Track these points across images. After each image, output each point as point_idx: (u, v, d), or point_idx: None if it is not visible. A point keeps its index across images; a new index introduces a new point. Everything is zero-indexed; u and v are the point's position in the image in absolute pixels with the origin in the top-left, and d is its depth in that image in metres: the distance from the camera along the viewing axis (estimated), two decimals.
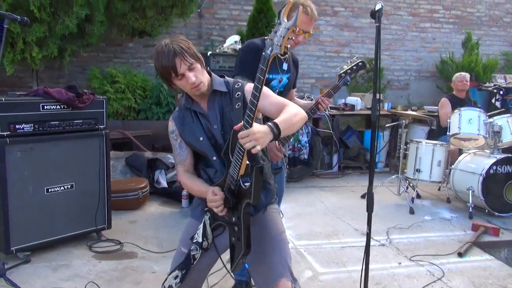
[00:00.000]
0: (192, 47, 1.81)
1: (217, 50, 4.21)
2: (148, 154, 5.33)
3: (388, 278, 3.13)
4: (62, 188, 3.37)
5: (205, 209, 1.90)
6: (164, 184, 4.84)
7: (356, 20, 8.03)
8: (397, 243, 3.74)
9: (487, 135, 4.49)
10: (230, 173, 1.72)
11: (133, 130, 5.85)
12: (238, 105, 1.81)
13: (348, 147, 6.41)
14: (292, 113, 1.73)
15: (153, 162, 5.01)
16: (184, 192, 4.52)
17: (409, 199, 4.69)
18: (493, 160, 4.31)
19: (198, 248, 1.89)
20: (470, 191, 4.37)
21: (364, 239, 3.79)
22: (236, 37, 4.31)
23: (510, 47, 8.67)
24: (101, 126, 3.54)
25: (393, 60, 8.25)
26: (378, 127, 6.88)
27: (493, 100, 6.62)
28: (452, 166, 4.73)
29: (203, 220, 1.90)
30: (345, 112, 6.21)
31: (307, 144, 5.49)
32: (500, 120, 4.49)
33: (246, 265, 1.83)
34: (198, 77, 1.78)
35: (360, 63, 2.56)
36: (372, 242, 3.73)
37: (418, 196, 4.93)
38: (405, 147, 5.10)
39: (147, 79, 6.71)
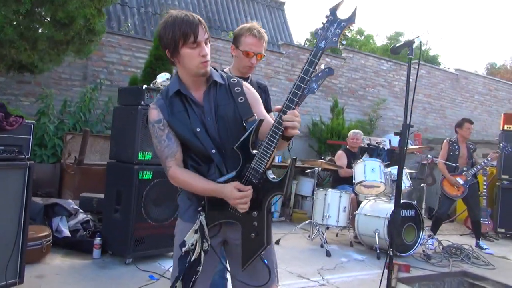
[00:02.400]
0: None
1: (151, 85, 3.96)
2: (37, 199, 4.56)
3: None
4: None
5: (199, 209, 1.77)
6: (66, 232, 4.15)
7: None
8: (334, 282, 3.83)
9: (387, 183, 5.06)
10: (254, 167, 1.67)
11: None
12: (241, 99, 1.79)
13: None
14: None
15: (51, 208, 4.29)
16: (97, 241, 3.94)
17: (321, 243, 4.91)
18: None
19: (192, 251, 1.72)
20: (377, 233, 4.79)
21: (301, 280, 3.87)
22: (167, 74, 4.14)
23: (363, 116, 10.06)
24: (26, 156, 2.96)
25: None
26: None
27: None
28: (356, 211, 5.15)
29: (198, 222, 1.74)
30: None
31: None
32: (395, 170, 5.13)
33: (265, 260, 1.75)
34: (209, 53, 1.72)
35: (327, 70, 2.57)
36: (311, 283, 3.80)
37: (325, 241, 5.19)
38: (312, 196, 5.36)
39: (26, 118, 5.85)
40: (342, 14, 1.56)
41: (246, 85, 1.87)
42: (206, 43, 1.71)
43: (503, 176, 6.83)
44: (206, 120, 1.74)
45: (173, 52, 1.71)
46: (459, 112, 11.66)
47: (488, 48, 47.64)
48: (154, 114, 1.76)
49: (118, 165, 3.95)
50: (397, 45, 2.23)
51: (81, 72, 6.97)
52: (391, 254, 2.21)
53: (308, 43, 23.23)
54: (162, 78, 4.03)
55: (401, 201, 4.91)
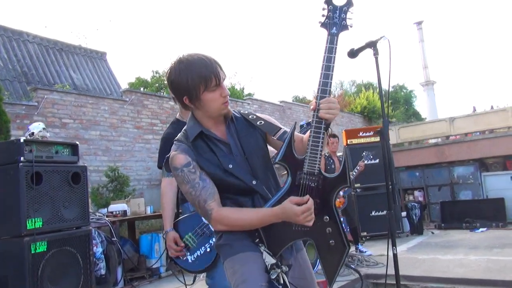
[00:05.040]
0: None
1: (27, 136, 3.20)
2: None
3: None
4: None
5: (256, 241, 1.64)
6: None
7: (86, 132, 7.66)
8: None
9: None
10: (308, 170, 1.61)
11: None
12: (260, 122, 1.79)
13: (126, 257, 5.74)
14: None
15: None
16: None
17: None
18: None
19: (278, 272, 1.61)
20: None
21: None
22: (41, 124, 3.43)
23: None
24: None
25: (126, 171, 8.15)
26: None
27: None
28: None
29: (263, 253, 1.62)
30: (124, 218, 5.66)
31: (103, 256, 4.63)
32: None
33: (351, 265, 1.66)
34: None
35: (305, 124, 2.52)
36: None
37: None
38: None
39: None
40: (338, 2, 1.69)
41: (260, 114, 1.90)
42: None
43: (356, 185, 7.65)
44: (234, 155, 1.70)
45: (192, 98, 1.64)
46: None
47: (292, 83, 54.23)
48: (181, 158, 1.64)
49: None
50: (356, 48, 2.26)
51: None
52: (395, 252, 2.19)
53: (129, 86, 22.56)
54: (38, 128, 3.37)
55: None
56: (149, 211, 6.57)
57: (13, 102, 6.94)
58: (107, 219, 5.24)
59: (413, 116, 27.85)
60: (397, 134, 9.73)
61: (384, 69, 2.25)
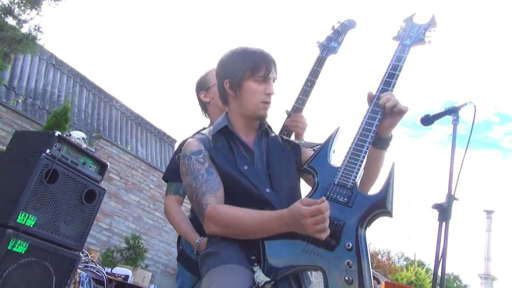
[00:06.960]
0: None
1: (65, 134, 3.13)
2: None
3: None
4: None
5: (252, 258, 1.27)
6: None
7: (126, 194, 7.59)
8: None
9: None
10: (339, 182, 1.28)
11: None
12: (301, 142, 1.63)
13: None
14: None
15: None
16: None
17: None
18: None
19: None
20: None
21: None
22: (84, 135, 3.37)
23: None
24: None
25: (147, 246, 7.78)
26: None
27: None
28: None
29: (258, 275, 1.23)
30: (123, 282, 5.20)
31: None
32: None
33: None
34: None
35: (346, 23, 2.07)
36: None
37: None
38: None
39: None
40: (419, 21, 1.63)
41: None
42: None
43: None
44: (255, 166, 1.48)
45: (234, 83, 1.50)
46: None
47: None
48: (194, 144, 1.48)
49: None
50: (433, 114, 1.94)
51: None
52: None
53: None
54: (78, 135, 3.28)
55: None
56: None
57: None
58: (105, 274, 4.80)
59: None
60: None
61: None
